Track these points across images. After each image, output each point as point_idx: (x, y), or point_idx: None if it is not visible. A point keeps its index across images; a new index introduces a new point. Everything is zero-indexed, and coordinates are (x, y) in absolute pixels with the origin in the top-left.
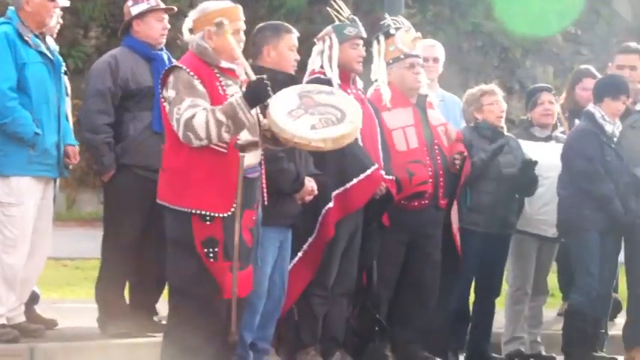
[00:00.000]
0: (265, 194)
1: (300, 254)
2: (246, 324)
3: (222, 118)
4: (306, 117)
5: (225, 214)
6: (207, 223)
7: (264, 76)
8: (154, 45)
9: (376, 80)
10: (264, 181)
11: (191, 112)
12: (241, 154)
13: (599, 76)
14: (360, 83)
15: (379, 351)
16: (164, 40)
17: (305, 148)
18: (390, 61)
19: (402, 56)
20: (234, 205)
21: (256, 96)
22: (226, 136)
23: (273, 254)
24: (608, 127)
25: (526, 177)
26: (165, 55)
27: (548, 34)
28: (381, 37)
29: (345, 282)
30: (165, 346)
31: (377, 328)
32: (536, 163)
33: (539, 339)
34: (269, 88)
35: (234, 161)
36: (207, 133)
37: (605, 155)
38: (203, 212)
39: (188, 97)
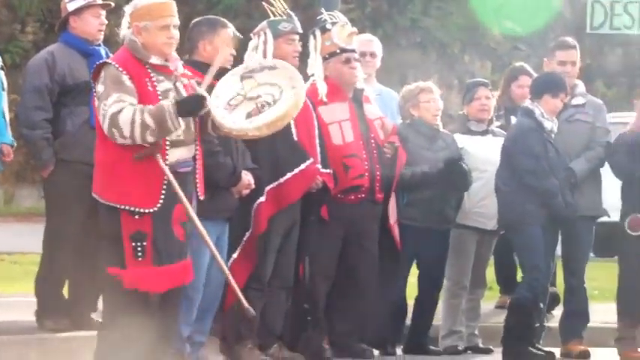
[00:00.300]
0: (199, 188)
1: (239, 248)
2: (183, 317)
3: (149, 121)
4: (244, 104)
5: (152, 209)
6: (136, 217)
7: (205, 96)
8: (92, 41)
9: (313, 75)
10: (199, 175)
11: (117, 107)
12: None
13: (534, 74)
14: None
15: (316, 344)
16: (102, 36)
17: (245, 138)
18: (327, 56)
19: (338, 51)
20: (161, 200)
21: (189, 110)
22: (150, 139)
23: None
24: (547, 124)
25: (453, 175)
26: (103, 50)
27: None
28: (317, 32)
29: (282, 276)
30: (99, 339)
31: (309, 318)
32: (459, 160)
33: (476, 332)
34: (205, 104)
35: (161, 156)
36: (131, 132)
37: (548, 152)
38: (131, 208)
39: (115, 93)
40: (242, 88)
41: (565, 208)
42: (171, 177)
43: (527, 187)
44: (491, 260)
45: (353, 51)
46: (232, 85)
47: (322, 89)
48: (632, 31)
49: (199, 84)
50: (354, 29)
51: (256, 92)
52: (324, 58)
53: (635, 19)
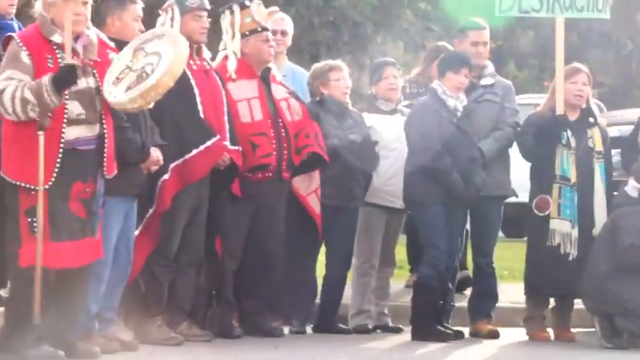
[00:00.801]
0: (107, 166)
1: (141, 225)
2: (91, 294)
3: (29, 95)
4: (128, 77)
5: (45, 187)
6: (32, 193)
7: (76, 63)
8: (3, 15)
9: (224, 49)
10: (107, 153)
11: (3, 84)
12: (40, 132)
13: None
14: (207, 53)
15: (225, 321)
16: (14, 10)
17: (126, 111)
18: (247, 33)
19: (260, 29)
20: (54, 177)
21: (63, 81)
22: (33, 115)
23: (118, 224)
24: (451, 102)
25: (360, 155)
26: (15, 24)
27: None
28: (236, 8)
29: (191, 252)
30: (4, 315)
31: (214, 292)
32: (375, 143)
33: (386, 311)
34: (78, 74)
35: (55, 134)
36: (12, 108)
37: (446, 130)
38: (26, 184)
39: (8, 70)
40: (130, 61)
41: (463, 187)
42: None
43: (423, 167)
44: (403, 239)
45: (269, 29)
46: (124, 58)
47: (232, 66)
48: (540, 15)
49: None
50: (275, 8)
51: (141, 63)
52: (244, 35)
53: (543, 3)
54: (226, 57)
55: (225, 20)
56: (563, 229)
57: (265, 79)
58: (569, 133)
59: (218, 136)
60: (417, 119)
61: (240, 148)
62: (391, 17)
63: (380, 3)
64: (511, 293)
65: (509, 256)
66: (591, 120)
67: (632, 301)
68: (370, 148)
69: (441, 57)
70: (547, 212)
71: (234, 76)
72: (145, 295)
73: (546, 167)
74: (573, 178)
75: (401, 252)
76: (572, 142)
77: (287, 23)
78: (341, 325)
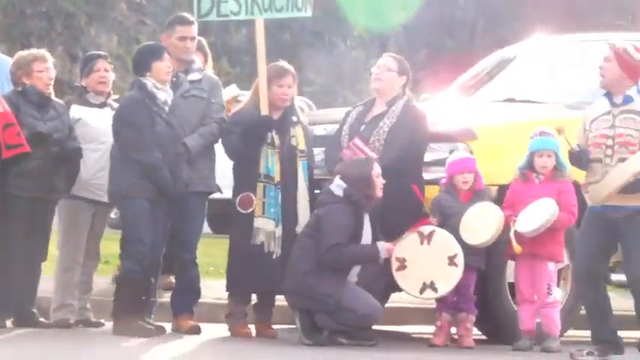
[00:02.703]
0: None
1: None
2: None
3: None
4: None
5: None
6: None
7: None
8: None
9: None
10: None
11: None
12: None
13: None
14: None
15: None
16: None
17: None
18: None
19: None
20: None
21: None
22: None
23: None
24: (161, 95)
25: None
26: None
27: None
28: None
29: None
30: None
31: None
32: (45, 135)
33: (88, 305)
34: None
35: None
36: None
37: (156, 125)
38: None
39: None
40: None
41: (171, 182)
42: None
43: (132, 161)
44: (109, 233)
45: None
46: None
47: None
48: (239, 17)
49: None
50: None
51: None
52: None
53: (241, 5)
54: None
55: None
56: (267, 227)
57: None
58: (274, 131)
59: None
60: (128, 112)
61: None
62: (105, 9)
63: None
64: (216, 289)
65: (216, 252)
66: (294, 119)
67: (333, 298)
68: (72, 139)
69: (140, 53)
70: (250, 210)
71: None
72: None
73: (251, 165)
74: (277, 177)
75: (107, 246)
76: (277, 141)
77: None
78: (42, 319)
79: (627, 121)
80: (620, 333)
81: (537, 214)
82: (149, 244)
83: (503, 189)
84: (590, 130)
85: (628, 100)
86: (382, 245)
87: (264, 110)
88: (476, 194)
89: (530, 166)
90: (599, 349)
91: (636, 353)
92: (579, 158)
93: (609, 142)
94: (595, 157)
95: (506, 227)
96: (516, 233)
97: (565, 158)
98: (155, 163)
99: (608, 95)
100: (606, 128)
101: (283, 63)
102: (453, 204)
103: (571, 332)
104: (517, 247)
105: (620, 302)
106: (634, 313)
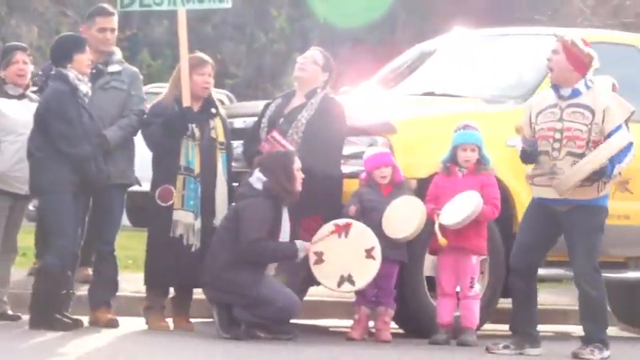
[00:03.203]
0: None
1: None
2: None
3: None
4: None
5: None
6: None
7: None
8: None
9: None
10: None
11: None
12: None
13: None
14: None
15: None
16: None
17: None
18: None
19: None
20: None
21: None
22: None
23: None
24: (83, 87)
25: None
26: None
27: None
28: None
29: None
30: None
31: None
32: None
33: (5, 298)
34: None
35: None
36: None
37: (82, 117)
38: None
39: None
40: None
41: (97, 175)
42: None
43: (60, 153)
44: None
45: None
46: None
47: None
48: (162, 8)
49: None
50: None
51: None
52: None
53: None
54: None
55: None
56: (186, 220)
57: None
58: (194, 124)
59: None
60: (58, 105)
61: None
62: (26, 0)
63: None
64: (134, 282)
65: (135, 245)
66: (213, 111)
67: (251, 290)
68: None
69: (60, 44)
70: (170, 202)
71: None
72: None
73: (170, 157)
74: (197, 169)
75: (25, 239)
76: (197, 133)
77: None
78: None
79: (575, 115)
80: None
81: (461, 206)
82: (72, 238)
83: (422, 182)
84: (537, 123)
85: (576, 93)
86: (301, 244)
87: (186, 102)
88: (397, 187)
89: (453, 159)
90: (514, 342)
91: (551, 346)
92: (531, 155)
93: (557, 135)
94: (542, 150)
95: (430, 221)
96: (441, 226)
97: (488, 152)
98: (85, 155)
99: (555, 87)
100: (554, 121)
101: (201, 54)
102: (374, 197)
103: (487, 326)
104: (442, 240)
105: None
106: (547, 307)
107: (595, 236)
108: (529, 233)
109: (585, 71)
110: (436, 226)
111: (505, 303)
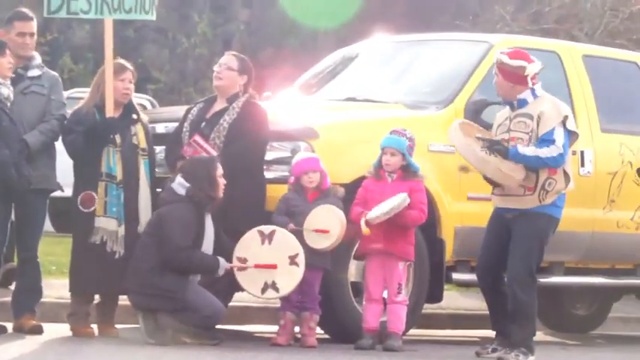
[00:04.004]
0: None
1: None
2: None
3: None
4: None
5: None
6: None
7: None
8: None
9: None
10: None
11: None
12: None
13: None
14: None
15: None
16: None
17: None
18: None
19: None
20: None
21: None
22: None
23: None
24: (4, 91)
25: None
26: None
27: None
28: None
29: None
30: None
31: None
32: None
33: None
34: None
35: None
36: None
37: (2, 121)
38: None
39: None
40: None
41: (18, 180)
42: None
43: None
44: None
45: None
46: None
47: None
48: (89, 16)
49: None
50: None
51: None
52: None
53: (92, 4)
54: None
55: None
56: (109, 227)
57: None
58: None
59: None
60: None
61: None
62: None
63: None
64: (58, 288)
65: (59, 251)
66: (134, 116)
67: (177, 294)
68: None
69: None
70: (92, 209)
71: None
72: None
73: (92, 164)
74: (119, 176)
75: None
76: (118, 140)
77: None
78: None
79: (519, 125)
80: (460, 332)
81: (388, 202)
82: None
83: (345, 187)
84: (496, 135)
85: (522, 103)
86: (223, 262)
87: (110, 112)
88: (323, 194)
89: (382, 164)
90: (503, 344)
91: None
92: (500, 151)
93: (505, 145)
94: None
95: (356, 225)
96: (367, 223)
97: (415, 159)
98: (4, 161)
99: (507, 102)
100: (504, 132)
101: (122, 60)
102: (299, 203)
103: (413, 331)
104: (365, 229)
105: (461, 301)
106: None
107: (533, 242)
108: (487, 238)
109: (524, 81)
110: (362, 222)
111: (430, 308)
